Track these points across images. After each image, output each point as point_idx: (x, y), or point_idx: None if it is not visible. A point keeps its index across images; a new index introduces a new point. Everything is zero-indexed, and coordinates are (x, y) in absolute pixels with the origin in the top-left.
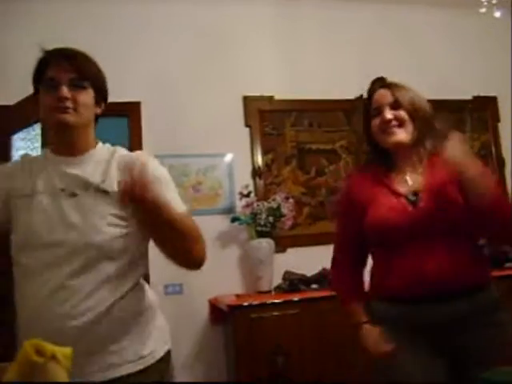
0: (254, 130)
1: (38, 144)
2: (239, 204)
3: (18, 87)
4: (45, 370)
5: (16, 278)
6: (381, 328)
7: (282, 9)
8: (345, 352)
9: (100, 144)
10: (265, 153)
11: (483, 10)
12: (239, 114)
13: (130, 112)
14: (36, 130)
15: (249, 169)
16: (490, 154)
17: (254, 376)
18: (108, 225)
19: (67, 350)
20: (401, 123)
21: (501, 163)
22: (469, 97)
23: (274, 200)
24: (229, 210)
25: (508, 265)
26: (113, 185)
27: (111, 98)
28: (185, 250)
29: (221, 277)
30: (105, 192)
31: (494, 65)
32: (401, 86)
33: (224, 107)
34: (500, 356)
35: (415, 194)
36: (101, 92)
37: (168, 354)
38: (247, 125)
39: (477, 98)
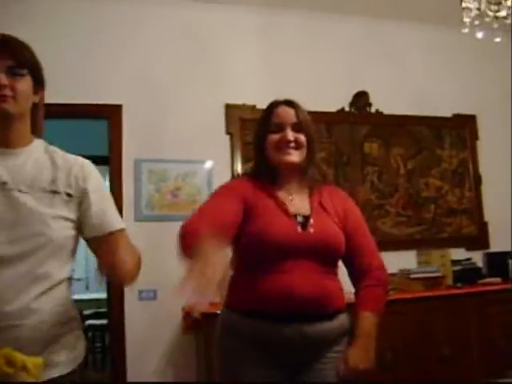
0: (235, 138)
1: None
2: None
3: None
4: (15, 380)
5: None
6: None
7: (268, 18)
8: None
9: (35, 140)
10: (245, 161)
11: (466, 30)
12: (221, 122)
13: (110, 114)
14: None
15: (228, 176)
16: (467, 171)
17: None
18: (56, 225)
19: (37, 360)
20: (298, 146)
21: (477, 180)
22: (448, 114)
23: None
24: None
25: (480, 281)
26: (60, 186)
27: (92, 100)
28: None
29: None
30: (54, 192)
31: (474, 84)
32: (303, 108)
33: (206, 114)
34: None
35: (304, 217)
36: (38, 80)
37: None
38: (228, 132)
39: (456, 116)
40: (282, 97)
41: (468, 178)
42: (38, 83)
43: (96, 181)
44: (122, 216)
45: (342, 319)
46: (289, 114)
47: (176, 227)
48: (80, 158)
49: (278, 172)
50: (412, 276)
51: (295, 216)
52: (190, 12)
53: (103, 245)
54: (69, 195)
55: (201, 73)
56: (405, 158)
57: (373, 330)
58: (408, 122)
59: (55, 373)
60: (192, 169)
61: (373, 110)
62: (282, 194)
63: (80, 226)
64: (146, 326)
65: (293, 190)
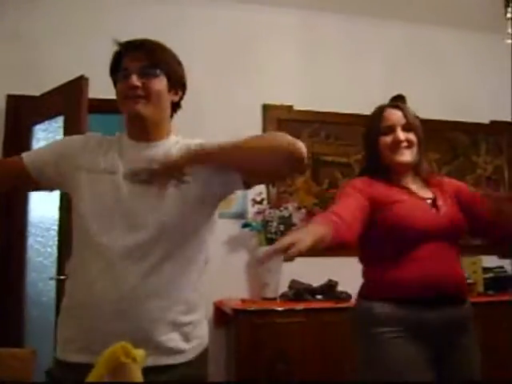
0: None
1: (60, 137)
2: (251, 210)
3: (46, 78)
4: (127, 369)
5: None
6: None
7: (308, 19)
8: (346, 365)
9: (173, 135)
10: None
11: (509, 41)
12: (257, 122)
13: None
14: (58, 122)
15: None
16: (502, 178)
17: (253, 381)
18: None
19: (142, 352)
20: (410, 145)
21: None
22: (486, 121)
23: (285, 209)
24: (240, 216)
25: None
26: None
27: None
28: (268, 159)
29: (227, 280)
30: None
31: None
32: (409, 109)
33: (243, 113)
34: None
35: (432, 200)
36: (175, 79)
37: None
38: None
39: (493, 123)
40: (319, 98)
41: (503, 184)
42: (175, 82)
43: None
44: None
45: (469, 307)
46: (397, 115)
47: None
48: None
49: (393, 171)
50: None
51: (425, 199)
52: (229, 13)
53: None
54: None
55: (239, 73)
56: (440, 164)
57: None
58: (445, 127)
59: None
60: None
61: None
62: (407, 185)
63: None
64: None
65: (410, 185)
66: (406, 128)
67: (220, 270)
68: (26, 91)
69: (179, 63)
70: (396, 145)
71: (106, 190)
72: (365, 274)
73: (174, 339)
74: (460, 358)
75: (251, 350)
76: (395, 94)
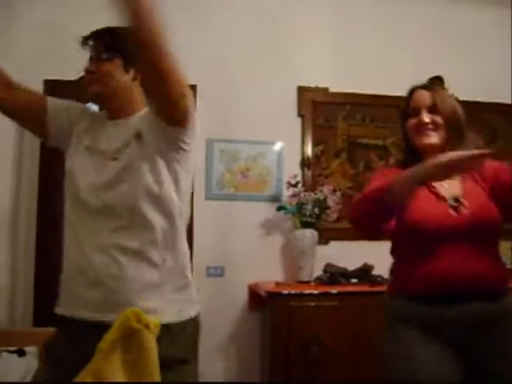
0: (307, 120)
1: None
2: (286, 193)
3: (82, 63)
4: (140, 335)
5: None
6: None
7: (341, 2)
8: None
9: (139, 111)
10: (315, 144)
11: None
12: (293, 104)
13: None
14: (93, 106)
15: (298, 159)
16: None
17: (286, 364)
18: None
19: (156, 321)
20: (436, 127)
21: None
22: None
23: (320, 192)
24: (275, 199)
25: None
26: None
27: None
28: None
29: (262, 263)
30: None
31: None
32: (441, 89)
33: (278, 96)
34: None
35: (456, 199)
36: (130, 59)
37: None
38: (300, 115)
39: None
40: (354, 80)
41: None
42: (130, 63)
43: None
44: (192, 194)
45: (506, 302)
46: (424, 96)
47: (246, 207)
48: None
49: (425, 157)
50: None
51: (446, 199)
52: None
53: None
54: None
55: (273, 55)
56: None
57: None
58: (483, 108)
59: None
60: (262, 150)
61: None
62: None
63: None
64: (212, 303)
65: None
66: (432, 110)
67: (255, 253)
68: (62, 76)
69: (126, 42)
70: (420, 127)
71: (85, 164)
72: (391, 267)
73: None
74: (491, 354)
75: (285, 332)
76: (429, 74)
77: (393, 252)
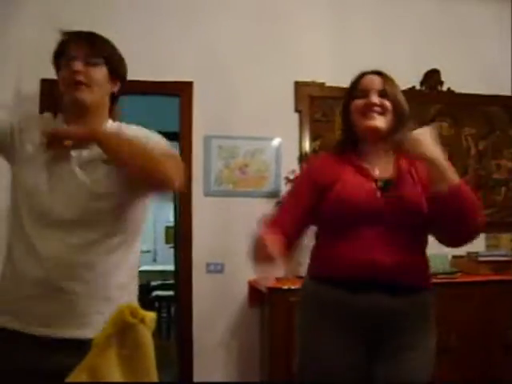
0: (304, 115)
1: None
2: (284, 188)
3: None
4: (135, 330)
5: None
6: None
7: None
8: None
9: (109, 122)
10: (313, 139)
11: None
12: (290, 99)
13: (182, 91)
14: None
15: (296, 154)
16: None
17: (287, 359)
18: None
19: (152, 315)
20: (383, 111)
21: None
22: None
23: None
24: (274, 194)
25: None
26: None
27: (164, 77)
28: (146, 169)
29: None
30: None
31: None
32: (390, 77)
33: (275, 91)
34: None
35: (386, 182)
36: (115, 70)
37: None
38: (297, 110)
39: None
40: (351, 74)
41: None
42: (115, 74)
43: (132, 130)
44: (191, 191)
45: (423, 298)
46: (375, 81)
47: (243, 203)
48: (134, 127)
49: (364, 140)
50: (480, 259)
51: (376, 181)
52: None
53: None
54: None
55: (270, 50)
56: (476, 139)
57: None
58: (480, 101)
59: None
60: (260, 146)
61: (444, 88)
62: (365, 161)
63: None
64: (212, 299)
65: (378, 158)
66: (382, 94)
67: None
68: None
69: (120, 56)
70: (368, 108)
71: (35, 174)
72: (311, 249)
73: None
74: (391, 355)
75: (285, 328)
76: (427, 68)
77: (316, 234)
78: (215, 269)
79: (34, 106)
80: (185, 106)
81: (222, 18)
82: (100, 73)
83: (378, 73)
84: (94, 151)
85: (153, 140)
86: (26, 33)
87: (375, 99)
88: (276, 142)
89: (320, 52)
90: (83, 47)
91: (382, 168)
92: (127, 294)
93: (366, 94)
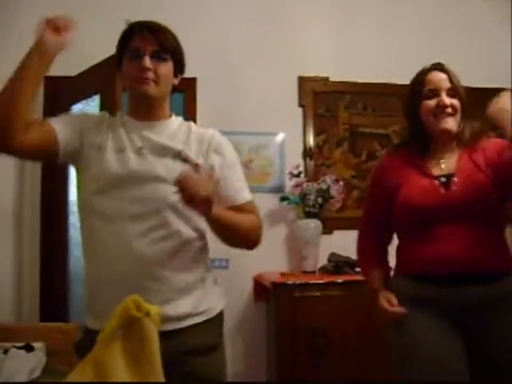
0: (308, 110)
1: None
2: (289, 184)
3: (82, 58)
4: (141, 324)
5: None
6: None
7: None
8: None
9: (173, 116)
10: (317, 134)
11: None
12: (293, 94)
13: (186, 87)
14: (95, 100)
15: (300, 149)
16: None
17: (292, 354)
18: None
19: (158, 309)
20: (454, 112)
21: None
22: None
23: (323, 181)
24: (278, 189)
25: None
26: (191, 155)
27: None
28: (237, 239)
29: (266, 254)
30: (184, 160)
31: None
32: (454, 73)
33: (279, 86)
34: None
35: (448, 176)
36: (179, 64)
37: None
38: (301, 105)
39: None
40: (355, 69)
41: None
42: (179, 67)
43: (227, 151)
44: None
45: (505, 284)
46: (442, 79)
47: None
48: (211, 130)
49: (434, 139)
50: None
51: (438, 177)
52: None
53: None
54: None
55: (274, 45)
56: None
57: None
58: (485, 94)
59: None
60: (264, 141)
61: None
62: (428, 160)
63: None
64: None
65: (443, 155)
66: (451, 93)
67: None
68: (62, 72)
69: (182, 49)
70: (440, 109)
71: (114, 165)
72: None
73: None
74: (494, 336)
75: (291, 323)
76: (432, 62)
77: (397, 234)
78: (220, 264)
79: (38, 103)
80: (189, 101)
81: (226, 14)
82: (167, 68)
83: (442, 68)
84: None
85: (239, 168)
86: (28, 29)
87: (447, 100)
88: (280, 137)
89: (324, 47)
90: (151, 42)
91: (446, 163)
92: None
93: (436, 93)
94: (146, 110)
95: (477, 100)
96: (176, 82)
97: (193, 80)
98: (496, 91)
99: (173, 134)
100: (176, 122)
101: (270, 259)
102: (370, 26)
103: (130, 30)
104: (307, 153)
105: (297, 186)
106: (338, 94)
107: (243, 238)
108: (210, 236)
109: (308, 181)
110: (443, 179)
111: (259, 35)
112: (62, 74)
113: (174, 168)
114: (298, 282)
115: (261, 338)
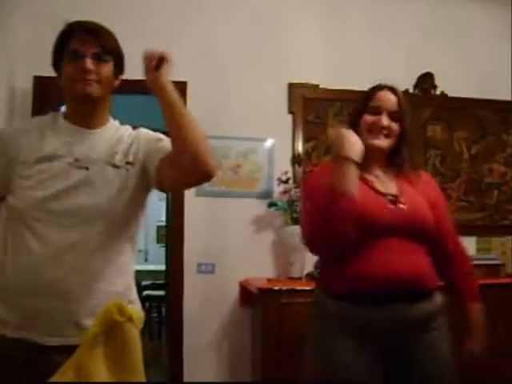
0: (297, 117)
1: None
2: (277, 190)
3: None
4: (123, 328)
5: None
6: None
7: None
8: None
9: (111, 120)
10: (306, 140)
11: None
12: (283, 101)
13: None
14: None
15: (289, 155)
16: None
17: (278, 360)
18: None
19: (139, 313)
20: (389, 134)
21: None
22: None
23: None
24: (266, 195)
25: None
26: (122, 159)
27: None
28: (183, 136)
29: (253, 260)
30: (116, 166)
31: None
32: (404, 97)
33: (269, 92)
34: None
35: (393, 196)
36: (119, 66)
37: None
38: (290, 111)
39: None
40: (345, 76)
41: None
42: (119, 69)
43: (144, 132)
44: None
45: (438, 298)
46: (390, 100)
47: (237, 203)
48: (141, 129)
49: (366, 154)
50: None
51: (384, 195)
52: None
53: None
54: (129, 163)
55: (264, 51)
56: (469, 142)
57: (484, 321)
58: (473, 105)
59: None
60: (253, 146)
61: (437, 92)
62: (368, 175)
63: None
64: (203, 299)
65: (379, 173)
66: (395, 116)
67: (246, 249)
68: (52, 73)
69: (122, 50)
70: (376, 128)
71: (52, 175)
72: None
73: None
74: (423, 356)
75: (276, 329)
76: (420, 71)
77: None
78: (206, 269)
79: (27, 103)
80: None
81: (216, 19)
82: (109, 69)
83: (394, 91)
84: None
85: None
86: (19, 30)
87: (385, 122)
88: (269, 143)
89: (314, 54)
90: (91, 43)
91: (385, 182)
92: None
93: (377, 111)
94: (85, 114)
95: (464, 109)
96: (117, 83)
97: (183, 84)
98: (484, 101)
99: (108, 140)
100: (111, 126)
101: (256, 265)
102: (360, 34)
103: (69, 30)
104: (296, 159)
105: (285, 192)
106: (328, 102)
107: (190, 137)
108: (199, 241)
109: (296, 187)
110: (389, 197)
111: (250, 41)
112: (52, 75)
113: (106, 175)
114: (284, 288)
115: (246, 344)
